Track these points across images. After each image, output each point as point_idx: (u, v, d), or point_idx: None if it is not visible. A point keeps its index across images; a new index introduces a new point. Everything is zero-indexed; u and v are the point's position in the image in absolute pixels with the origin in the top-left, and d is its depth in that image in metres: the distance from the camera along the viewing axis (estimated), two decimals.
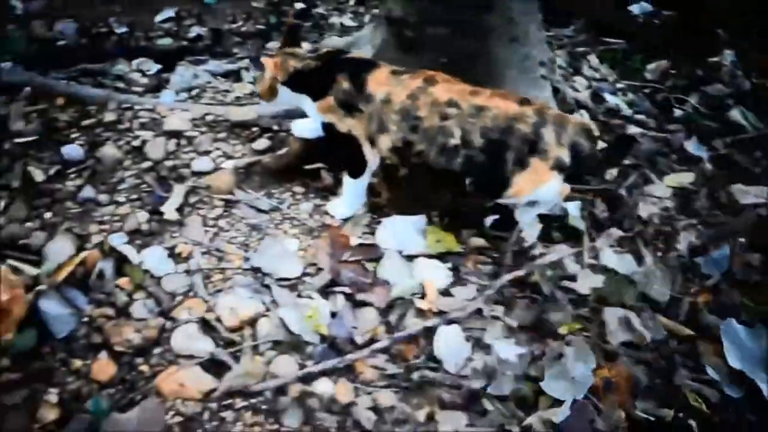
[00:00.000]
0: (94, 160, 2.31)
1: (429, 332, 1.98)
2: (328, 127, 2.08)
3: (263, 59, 2.08)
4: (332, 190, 2.38)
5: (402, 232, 2.28)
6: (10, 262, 1.95)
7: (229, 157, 2.41)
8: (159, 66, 3.79)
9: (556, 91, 2.72)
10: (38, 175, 2.22)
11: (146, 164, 2.32)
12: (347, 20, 4.82)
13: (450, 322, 2.03)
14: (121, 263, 2.03)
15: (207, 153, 2.38)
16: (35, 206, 2.13)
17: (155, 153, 2.35)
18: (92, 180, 2.26)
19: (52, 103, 2.50)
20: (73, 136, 2.39)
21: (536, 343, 1.95)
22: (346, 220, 2.26)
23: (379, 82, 1.95)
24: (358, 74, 1.99)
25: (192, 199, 2.25)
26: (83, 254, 2.01)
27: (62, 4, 5.09)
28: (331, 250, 2.21)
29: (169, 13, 4.99)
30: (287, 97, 2.10)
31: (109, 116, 2.48)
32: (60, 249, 2.03)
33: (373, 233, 2.28)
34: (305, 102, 2.09)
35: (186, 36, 4.83)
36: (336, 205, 2.21)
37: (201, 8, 5.17)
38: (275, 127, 2.52)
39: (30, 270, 1.97)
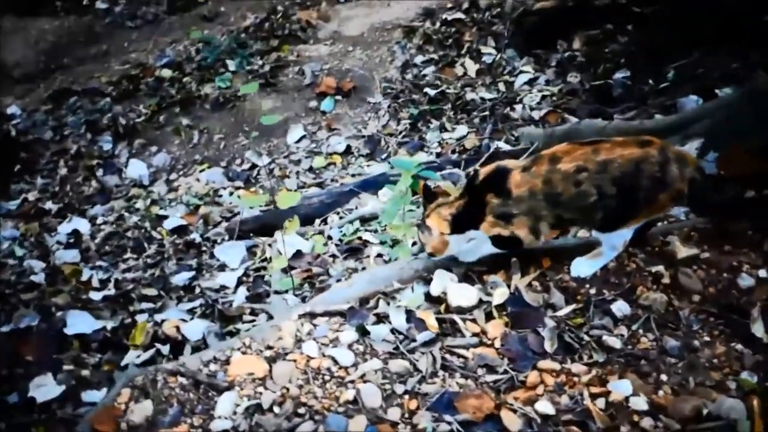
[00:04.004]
0: None
1: None
2: (494, 238, 2.18)
3: (428, 222, 2.19)
4: None
5: None
6: None
7: None
8: None
9: None
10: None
11: None
12: (485, 94, 4.78)
13: None
14: None
15: None
16: None
17: None
18: None
19: None
20: None
21: None
22: None
23: (518, 184, 2.08)
24: (500, 186, 2.12)
25: None
26: None
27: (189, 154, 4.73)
28: None
29: (299, 131, 4.75)
30: (460, 242, 2.22)
31: None
32: None
33: None
34: (473, 236, 2.20)
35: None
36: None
37: (321, 117, 4.95)
38: None
39: None
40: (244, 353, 2.01)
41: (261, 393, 1.89)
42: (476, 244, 2.20)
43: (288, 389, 1.89)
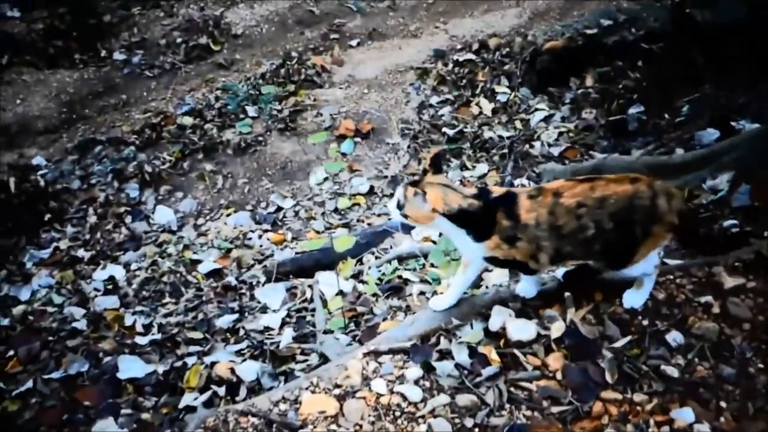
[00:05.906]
0: None
1: None
2: (491, 259, 2.21)
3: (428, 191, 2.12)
4: None
5: None
6: None
7: None
8: None
9: None
10: None
11: None
12: (502, 132, 4.87)
13: None
14: None
15: None
16: None
17: None
18: None
19: None
20: None
21: None
22: None
23: (527, 210, 2.12)
24: (511, 208, 2.14)
25: None
26: None
27: None
28: None
29: (321, 173, 4.82)
30: (444, 228, 2.22)
31: None
32: None
33: None
34: (460, 237, 2.20)
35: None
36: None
37: (342, 158, 5.01)
38: None
39: None
40: (313, 392, 2.06)
41: (335, 431, 1.92)
42: (472, 257, 2.25)
43: (361, 426, 1.93)
